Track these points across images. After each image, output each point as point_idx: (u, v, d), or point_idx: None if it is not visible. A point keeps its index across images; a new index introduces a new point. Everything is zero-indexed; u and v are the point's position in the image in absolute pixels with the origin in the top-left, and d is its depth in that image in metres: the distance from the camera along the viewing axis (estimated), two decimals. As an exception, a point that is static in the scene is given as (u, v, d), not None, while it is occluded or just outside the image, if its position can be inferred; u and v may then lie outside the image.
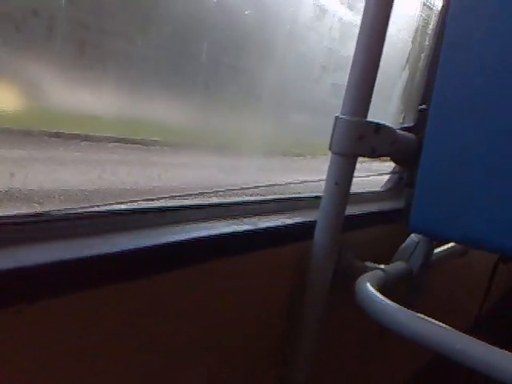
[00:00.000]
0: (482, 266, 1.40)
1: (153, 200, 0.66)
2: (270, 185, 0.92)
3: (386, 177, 1.30)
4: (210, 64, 0.82)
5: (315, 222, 0.86)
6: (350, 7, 1.03)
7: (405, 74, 1.25)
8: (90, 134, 0.67)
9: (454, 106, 0.82)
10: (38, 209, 0.55)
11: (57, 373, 0.53)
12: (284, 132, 1.02)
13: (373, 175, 1.24)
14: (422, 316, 0.77)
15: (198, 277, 0.66)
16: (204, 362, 0.72)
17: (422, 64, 1.26)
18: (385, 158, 1.05)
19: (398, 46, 1.21)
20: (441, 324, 0.75)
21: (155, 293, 0.61)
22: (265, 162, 0.96)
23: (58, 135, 0.63)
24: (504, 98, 0.77)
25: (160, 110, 0.79)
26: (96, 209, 0.60)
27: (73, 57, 0.62)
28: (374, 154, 0.86)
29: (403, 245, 1.08)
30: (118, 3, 0.67)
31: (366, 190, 1.22)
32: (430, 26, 1.24)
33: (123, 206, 0.63)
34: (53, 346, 0.52)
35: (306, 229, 0.85)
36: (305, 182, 1.00)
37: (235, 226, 0.73)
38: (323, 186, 0.85)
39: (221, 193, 0.79)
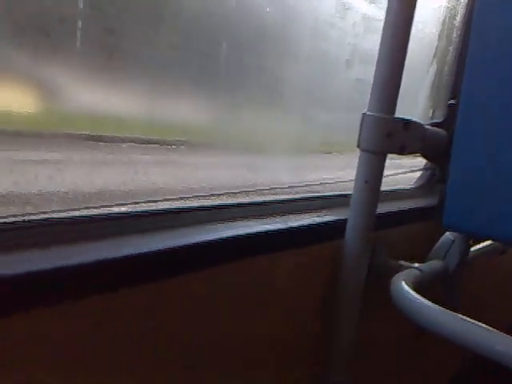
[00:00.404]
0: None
1: (187, 199, 0.68)
2: (306, 184, 0.93)
3: (419, 173, 1.28)
4: (232, 63, 0.83)
5: (346, 220, 0.85)
6: (374, 1, 1.02)
7: (432, 69, 1.23)
8: (118, 135, 0.69)
9: (483, 99, 0.80)
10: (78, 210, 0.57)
11: (98, 369, 0.54)
12: (310, 129, 1.02)
13: (404, 172, 1.22)
14: (460, 316, 0.76)
15: (230, 276, 0.67)
16: (237, 360, 0.73)
17: (450, 58, 1.23)
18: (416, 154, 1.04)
19: (425, 40, 1.19)
20: (480, 324, 0.73)
21: (187, 291, 0.62)
22: (293, 160, 0.96)
23: (90, 138, 0.65)
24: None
25: (186, 110, 0.81)
26: (132, 209, 0.62)
27: (100, 61, 0.65)
28: (403, 151, 0.85)
29: (438, 243, 1.06)
30: (139, 7, 0.69)
31: (398, 187, 1.20)
32: (458, 18, 1.22)
33: (160, 206, 0.65)
34: (94, 343, 0.53)
35: (338, 227, 0.85)
36: (338, 181, 1.00)
37: (267, 225, 0.73)
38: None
39: (252, 192, 0.80)
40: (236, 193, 0.79)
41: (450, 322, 0.76)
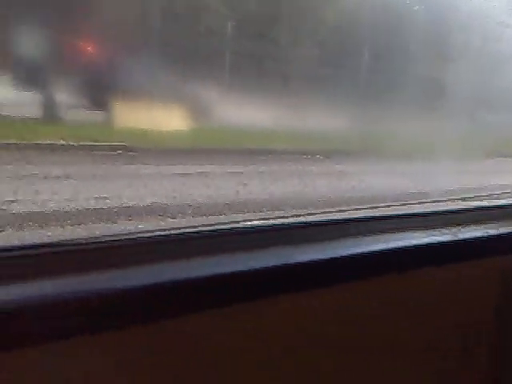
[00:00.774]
0: None
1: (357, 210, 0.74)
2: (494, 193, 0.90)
3: None
4: (380, 68, 0.86)
5: (524, 232, 0.82)
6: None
7: None
8: (276, 148, 0.79)
9: None
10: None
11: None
12: (481, 132, 0.98)
13: None
14: None
15: (391, 287, 0.71)
16: (405, 368, 0.76)
17: None
18: None
19: None
20: None
21: (350, 300, 0.67)
22: (461, 166, 0.94)
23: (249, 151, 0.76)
24: None
25: (332, 119, 0.87)
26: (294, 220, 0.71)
27: (252, 81, 0.75)
28: None
29: None
30: (281, 27, 0.78)
31: None
32: None
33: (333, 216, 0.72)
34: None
35: (512, 239, 0.82)
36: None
37: (432, 237, 0.75)
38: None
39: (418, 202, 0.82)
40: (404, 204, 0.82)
41: None
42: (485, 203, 0.90)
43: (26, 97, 0.84)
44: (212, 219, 0.70)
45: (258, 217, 0.69)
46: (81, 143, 0.88)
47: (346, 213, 0.73)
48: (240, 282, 0.56)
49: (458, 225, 0.81)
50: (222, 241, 0.63)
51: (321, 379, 0.66)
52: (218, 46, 0.80)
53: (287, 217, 0.70)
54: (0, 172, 0.69)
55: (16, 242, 0.54)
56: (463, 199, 0.87)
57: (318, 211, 0.73)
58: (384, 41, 0.91)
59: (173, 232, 0.62)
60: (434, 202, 0.83)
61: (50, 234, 0.61)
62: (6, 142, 0.76)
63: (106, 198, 0.74)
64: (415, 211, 0.79)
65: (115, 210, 0.68)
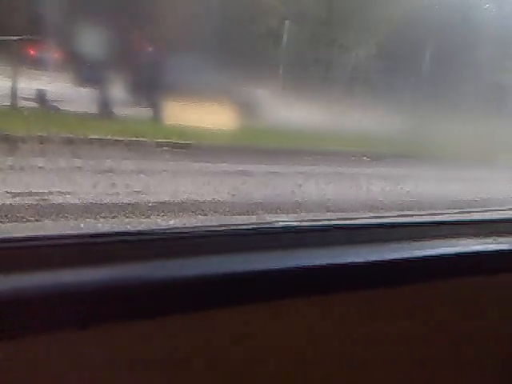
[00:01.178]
0: None
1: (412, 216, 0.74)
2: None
3: None
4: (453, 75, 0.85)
5: None
6: None
7: None
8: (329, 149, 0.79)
9: None
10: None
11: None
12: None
13: None
14: None
15: (443, 292, 0.70)
16: (461, 371, 0.74)
17: None
18: None
19: None
20: None
21: (405, 301, 0.67)
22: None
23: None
24: None
25: (388, 122, 0.86)
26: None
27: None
28: None
29: None
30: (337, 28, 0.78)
31: None
32: None
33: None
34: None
35: None
36: None
37: (486, 245, 0.74)
38: None
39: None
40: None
41: None
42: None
43: (83, 93, 0.87)
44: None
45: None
46: (132, 138, 0.90)
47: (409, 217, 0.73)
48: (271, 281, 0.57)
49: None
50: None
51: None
52: (272, 46, 0.81)
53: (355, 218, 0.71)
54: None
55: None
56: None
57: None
58: (446, 42, 0.90)
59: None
60: (489, 210, 0.81)
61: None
62: (66, 135, 0.79)
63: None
64: (473, 218, 0.78)
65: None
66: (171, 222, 0.70)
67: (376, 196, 0.80)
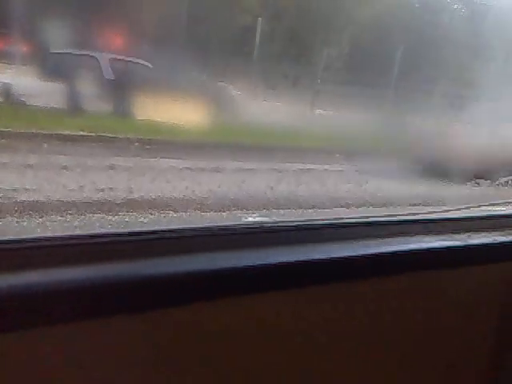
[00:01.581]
0: None
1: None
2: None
3: None
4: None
5: (533, 241, 0.83)
6: None
7: None
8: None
9: None
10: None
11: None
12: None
13: None
14: None
15: (406, 284, 0.73)
16: (413, 364, 0.78)
17: None
18: None
19: None
20: None
21: (372, 293, 0.70)
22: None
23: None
24: None
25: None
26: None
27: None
28: None
29: None
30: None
31: None
32: None
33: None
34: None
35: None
36: None
37: (442, 242, 0.77)
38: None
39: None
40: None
41: None
42: (495, 212, 0.92)
43: (51, 87, 0.86)
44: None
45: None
46: (99, 134, 0.90)
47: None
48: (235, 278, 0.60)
49: (469, 231, 0.83)
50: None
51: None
52: (246, 43, 0.82)
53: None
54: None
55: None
56: (479, 206, 0.89)
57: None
58: (414, 42, 0.94)
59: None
60: (447, 210, 0.85)
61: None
62: (33, 131, 0.78)
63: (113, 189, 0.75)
64: (427, 217, 0.82)
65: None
66: (143, 220, 0.71)
67: (345, 193, 0.83)
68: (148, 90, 0.92)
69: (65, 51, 0.86)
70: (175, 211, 0.76)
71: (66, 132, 0.87)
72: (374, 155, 0.99)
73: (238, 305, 0.60)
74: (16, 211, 0.60)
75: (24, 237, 0.53)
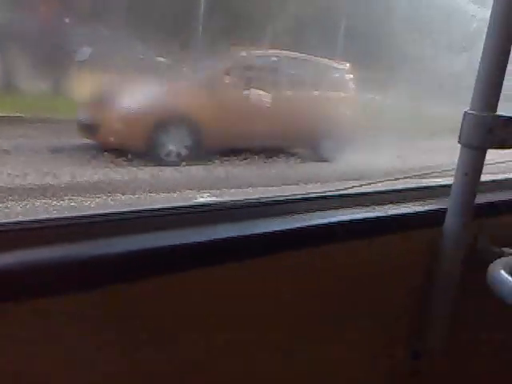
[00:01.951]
0: None
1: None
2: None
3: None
4: None
5: (446, 209, 0.94)
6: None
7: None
8: None
9: None
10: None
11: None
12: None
13: None
14: None
15: (336, 254, 0.82)
16: (344, 330, 0.87)
17: None
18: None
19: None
20: None
21: (299, 265, 0.78)
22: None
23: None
24: None
25: None
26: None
27: None
28: (504, 146, 0.90)
29: (548, 232, 1.07)
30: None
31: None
32: None
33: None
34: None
35: (437, 215, 0.94)
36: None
37: (368, 213, 0.86)
38: None
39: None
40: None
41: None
42: (413, 185, 1.02)
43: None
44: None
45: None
46: (40, 115, 0.89)
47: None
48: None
49: (390, 203, 0.93)
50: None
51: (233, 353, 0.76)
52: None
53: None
54: None
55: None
56: (396, 179, 0.98)
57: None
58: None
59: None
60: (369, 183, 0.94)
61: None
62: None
63: None
64: (355, 191, 0.90)
65: None
66: (91, 204, 0.74)
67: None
68: (89, 67, 0.91)
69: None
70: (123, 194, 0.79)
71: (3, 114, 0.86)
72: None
73: (182, 280, 0.65)
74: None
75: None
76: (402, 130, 1.13)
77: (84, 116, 0.97)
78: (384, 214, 0.87)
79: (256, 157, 1.00)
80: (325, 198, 0.86)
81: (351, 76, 1.35)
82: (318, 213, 0.84)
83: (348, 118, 1.40)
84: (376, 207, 0.89)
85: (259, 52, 1.22)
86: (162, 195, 0.81)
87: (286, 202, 0.83)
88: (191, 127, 1.16)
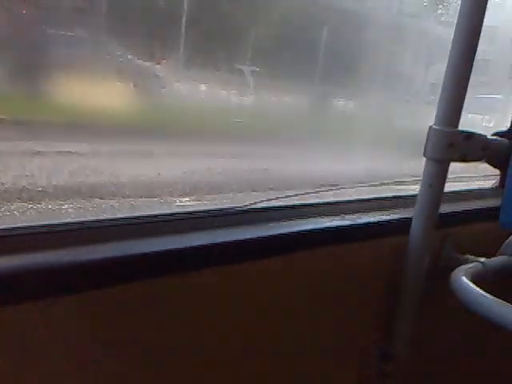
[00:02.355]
0: None
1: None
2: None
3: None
4: None
5: (411, 218, 0.99)
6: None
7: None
8: None
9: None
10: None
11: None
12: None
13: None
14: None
15: (307, 261, 0.85)
16: (313, 334, 0.91)
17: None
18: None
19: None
20: None
21: (270, 272, 0.81)
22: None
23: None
24: None
25: None
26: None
27: None
28: (465, 160, 0.96)
29: (507, 240, 1.13)
30: None
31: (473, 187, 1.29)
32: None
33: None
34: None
35: (403, 224, 0.99)
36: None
37: (337, 222, 0.90)
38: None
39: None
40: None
41: (503, 312, 0.86)
42: (380, 195, 1.07)
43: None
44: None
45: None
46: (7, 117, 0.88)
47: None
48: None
49: (359, 211, 0.97)
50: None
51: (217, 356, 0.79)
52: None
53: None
54: None
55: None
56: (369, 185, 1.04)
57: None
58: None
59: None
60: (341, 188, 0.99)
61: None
62: None
63: None
64: (324, 200, 0.94)
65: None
66: (63, 207, 0.76)
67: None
68: (65, 68, 0.91)
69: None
70: (101, 198, 0.81)
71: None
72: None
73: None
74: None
75: None
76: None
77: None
78: (353, 223, 0.92)
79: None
80: (293, 207, 0.90)
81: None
82: (290, 221, 0.88)
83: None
84: (345, 216, 0.93)
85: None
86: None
87: (259, 210, 0.86)
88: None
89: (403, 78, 1.30)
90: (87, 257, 0.63)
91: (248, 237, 0.78)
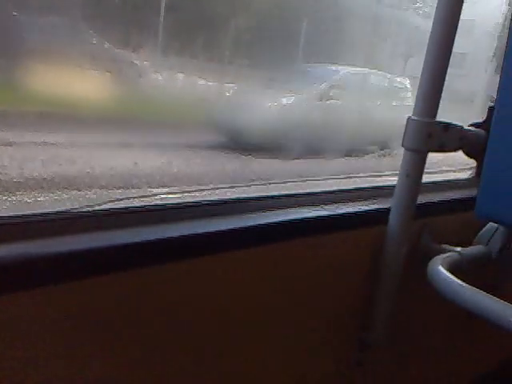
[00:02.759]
0: None
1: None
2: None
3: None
4: None
5: (389, 208, 1.00)
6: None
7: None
8: None
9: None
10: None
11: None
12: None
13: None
14: (487, 294, 0.87)
15: (286, 251, 0.85)
16: (291, 325, 0.91)
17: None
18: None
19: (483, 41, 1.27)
20: (501, 301, 0.84)
21: (258, 261, 0.81)
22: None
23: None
24: None
25: None
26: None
27: None
28: (443, 149, 0.97)
29: (483, 230, 1.15)
30: None
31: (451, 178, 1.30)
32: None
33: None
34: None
35: (381, 215, 1.00)
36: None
37: (318, 212, 0.90)
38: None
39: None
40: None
41: (478, 301, 0.88)
42: (359, 186, 1.08)
43: None
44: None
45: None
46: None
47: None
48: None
49: (338, 202, 0.98)
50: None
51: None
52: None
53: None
54: None
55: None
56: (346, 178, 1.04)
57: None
58: None
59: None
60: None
61: None
62: None
63: None
64: (305, 191, 0.94)
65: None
66: (39, 199, 0.74)
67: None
68: (39, 56, 0.89)
69: None
70: (78, 189, 0.79)
71: None
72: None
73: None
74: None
75: None
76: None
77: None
78: (332, 213, 0.92)
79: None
80: (272, 197, 0.90)
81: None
82: (270, 212, 0.87)
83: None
84: (325, 206, 0.94)
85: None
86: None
87: (237, 201, 0.86)
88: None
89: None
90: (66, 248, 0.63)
91: (226, 228, 0.77)
